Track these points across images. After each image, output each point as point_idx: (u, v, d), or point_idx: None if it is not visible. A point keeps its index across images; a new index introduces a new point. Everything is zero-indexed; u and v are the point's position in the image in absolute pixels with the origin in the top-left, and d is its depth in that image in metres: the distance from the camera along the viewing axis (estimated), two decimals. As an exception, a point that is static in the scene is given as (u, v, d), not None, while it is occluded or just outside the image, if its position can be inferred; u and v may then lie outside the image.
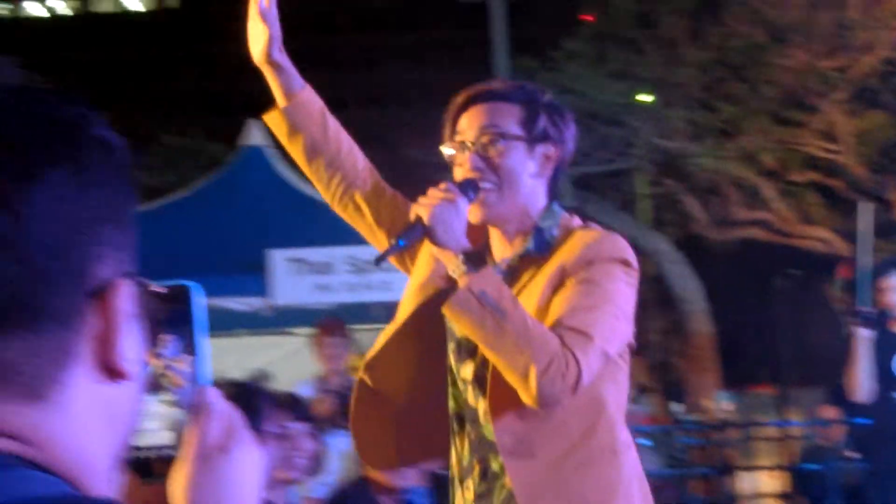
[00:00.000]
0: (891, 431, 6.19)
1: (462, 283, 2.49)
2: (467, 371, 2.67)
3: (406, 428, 2.77)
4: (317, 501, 5.35)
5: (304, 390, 6.05)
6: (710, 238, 16.75)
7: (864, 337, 6.10)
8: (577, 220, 2.72)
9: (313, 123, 2.77)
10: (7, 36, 27.30)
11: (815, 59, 14.18)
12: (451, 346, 2.70)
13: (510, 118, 2.69)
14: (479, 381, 2.61)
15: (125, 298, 0.87)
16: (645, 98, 15.00)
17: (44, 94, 0.89)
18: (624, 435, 2.63)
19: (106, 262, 0.86)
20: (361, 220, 2.82)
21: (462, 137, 2.70)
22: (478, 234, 2.69)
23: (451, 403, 2.72)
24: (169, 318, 1.06)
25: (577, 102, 14.23)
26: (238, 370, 6.86)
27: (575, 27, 16.25)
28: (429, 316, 2.65)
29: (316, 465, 4.07)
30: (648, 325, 17.78)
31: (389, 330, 2.75)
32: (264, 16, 2.70)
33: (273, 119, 2.79)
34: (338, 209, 2.85)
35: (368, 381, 2.75)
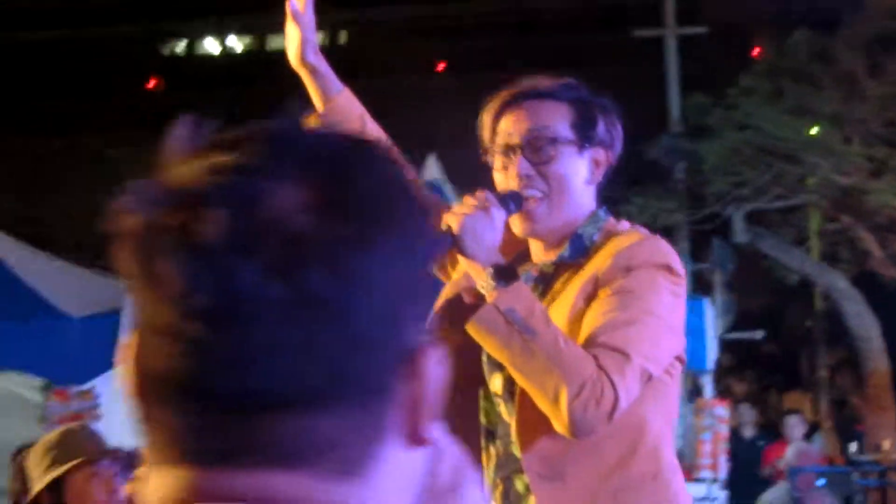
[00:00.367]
0: None
1: (490, 298, 2.29)
2: (496, 384, 2.45)
3: None
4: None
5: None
6: (886, 275, 16.40)
7: None
8: (624, 224, 2.48)
9: (351, 128, 2.48)
10: (183, 72, 28.41)
11: None
12: (483, 358, 2.47)
13: (561, 119, 2.44)
14: (511, 394, 2.40)
15: (432, 364, 0.83)
16: (822, 134, 14.85)
17: (382, 151, 0.85)
18: (669, 457, 2.40)
19: (416, 327, 0.83)
20: None
21: (506, 140, 2.45)
22: (516, 240, 2.49)
23: (482, 418, 2.51)
24: None
25: (752, 138, 14.22)
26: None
27: (749, 63, 16.19)
28: (459, 329, 2.37)
29: None
30: (820, 361, 17.49)
31: None
32: (297, 18, 2.59)
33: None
34: None
35: None
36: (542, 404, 2.23)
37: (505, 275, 2.30)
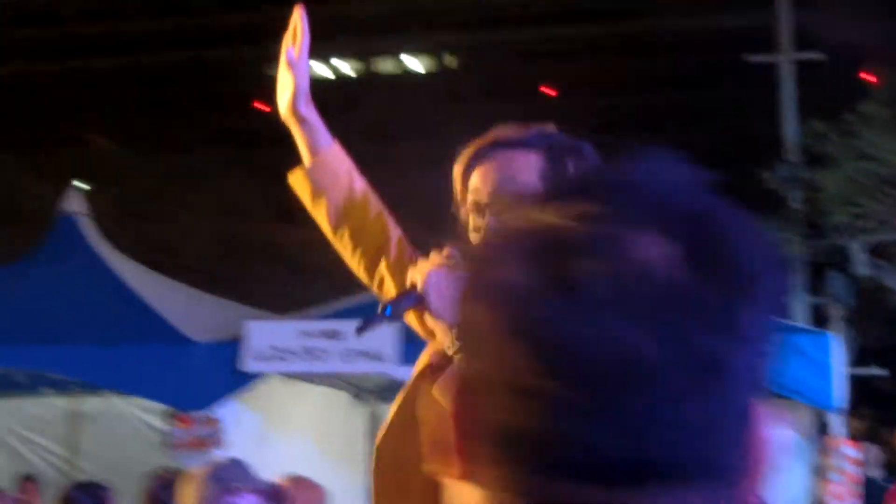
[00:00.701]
0: None
1: (456, 360, 2.13)
2: None
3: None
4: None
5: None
6: None
7: None
8: None
9: (337, 186, 2.51)
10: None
11: None
12: None
13: (528, 170, 2.32)
14: None
15: (766, 426, 0.75)
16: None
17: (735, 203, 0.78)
18: None
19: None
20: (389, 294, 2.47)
21: (475, 197, 2.34)
22: None
23: None
24: None
25: (874, 168, 13.80)
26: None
27: (867, 90, 15.74)
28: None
29: None
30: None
31: (395, 405, 2.43)
32: (292, 66, 2.52)
33: (297, 180, 2.55)
34: (366, 281, 2.54)
35: (384, 458, 2.38)
36: None
37: None
